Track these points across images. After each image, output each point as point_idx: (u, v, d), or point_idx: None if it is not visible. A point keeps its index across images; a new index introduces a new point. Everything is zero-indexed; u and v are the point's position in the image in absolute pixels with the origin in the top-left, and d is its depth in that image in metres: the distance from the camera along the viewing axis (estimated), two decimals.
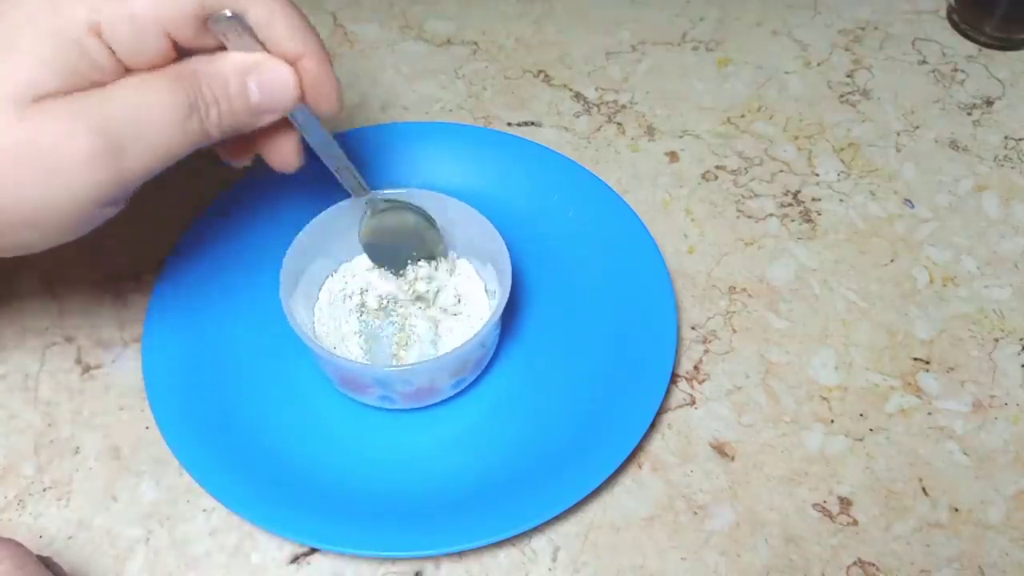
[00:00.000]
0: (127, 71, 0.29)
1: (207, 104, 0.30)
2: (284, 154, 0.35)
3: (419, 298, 0.41)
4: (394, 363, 0.40)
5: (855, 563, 0.36)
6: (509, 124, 0.53)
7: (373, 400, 0.39)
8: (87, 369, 0.42)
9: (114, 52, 0.28)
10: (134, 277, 0.45)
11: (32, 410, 0.41)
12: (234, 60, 0.31)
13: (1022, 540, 0.37)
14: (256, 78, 0.31)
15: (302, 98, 0.33)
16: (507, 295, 0.38)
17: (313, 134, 0.35)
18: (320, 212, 0.40)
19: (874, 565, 0.36)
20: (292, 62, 0.32)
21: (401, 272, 0.42)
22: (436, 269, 0.41)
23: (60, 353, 0.42)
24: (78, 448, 0.39)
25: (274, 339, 0.41)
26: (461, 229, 0.41)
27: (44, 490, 0.38)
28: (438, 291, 0.41)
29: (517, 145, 0.48)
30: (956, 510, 0.38)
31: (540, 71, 0.56)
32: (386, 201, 0.41)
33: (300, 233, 0.40)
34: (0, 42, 0.27)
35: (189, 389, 0.39)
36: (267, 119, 0.33)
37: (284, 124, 0.34)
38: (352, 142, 0.48)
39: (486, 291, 0.42)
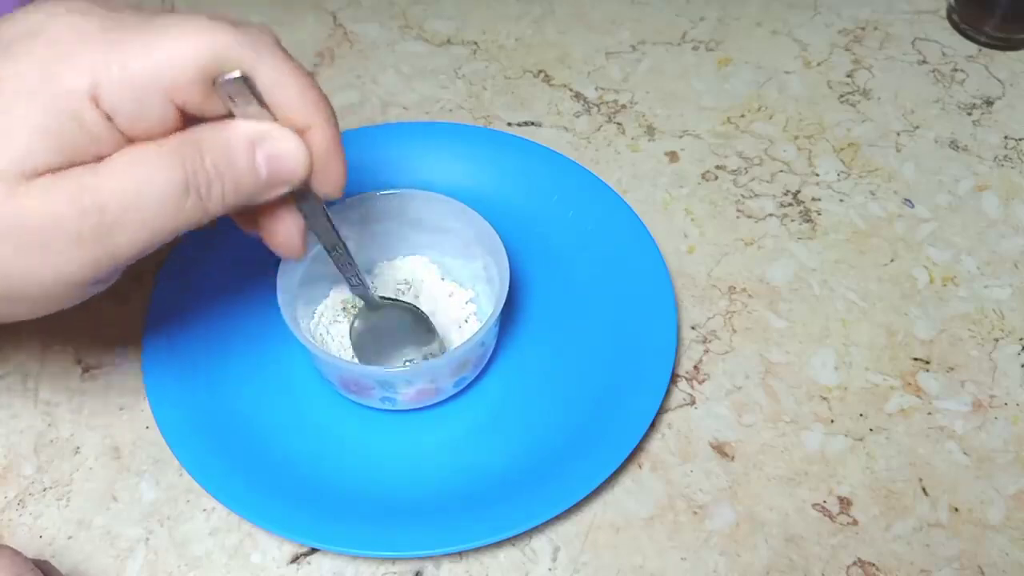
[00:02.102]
0: (129, 140, 0.27)
1: (209, 181, 0.28)
2: (287, 238, 0.33)
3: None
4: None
5: (855, 563, 0.36)
6: (509, 124, 0.53)
7: (374, 402, 0.39)
8: (87, 369, 0.42)
9: (113, 120, 0.27)
10: (134, 277, 0.45)
11: (32, 410, 0.41)
12: (241, 129, 0.29)
13: (1022, 540, 0.37)
14: (264, 150, 0.29)
15: (311, 174, 0.30)
16: (505, 293, 0.38)
17: (314, 218, 0.33)
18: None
19: (874, 565, 0.36)
20: (301, 132, 0.30)
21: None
22: (419, 358, 0.40)
23: (60, 353, 0.42)
24: (78, 448, 0.39)
25: (274, 339, 0.41)
26: (459, 228, 0.41)
27: (44, 490, 0.38)
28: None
29: (517, 145, 0.48)
30: (956, 510, 0.38)
31: (540, 71, 0.56)
32: (383, 298, 0.39)
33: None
34: None
35: (189, 389, 0.39)
36: (273, 195, 0.30)
37: (288, 207, 0.32)
38: (352, 142, 0.48)
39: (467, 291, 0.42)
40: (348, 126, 0.52)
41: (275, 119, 0.29)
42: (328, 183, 0.31)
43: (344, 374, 0.37)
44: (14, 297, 0.28)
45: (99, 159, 0.27)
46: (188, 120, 0.28)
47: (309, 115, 0.29)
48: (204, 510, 0.38)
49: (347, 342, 0.40)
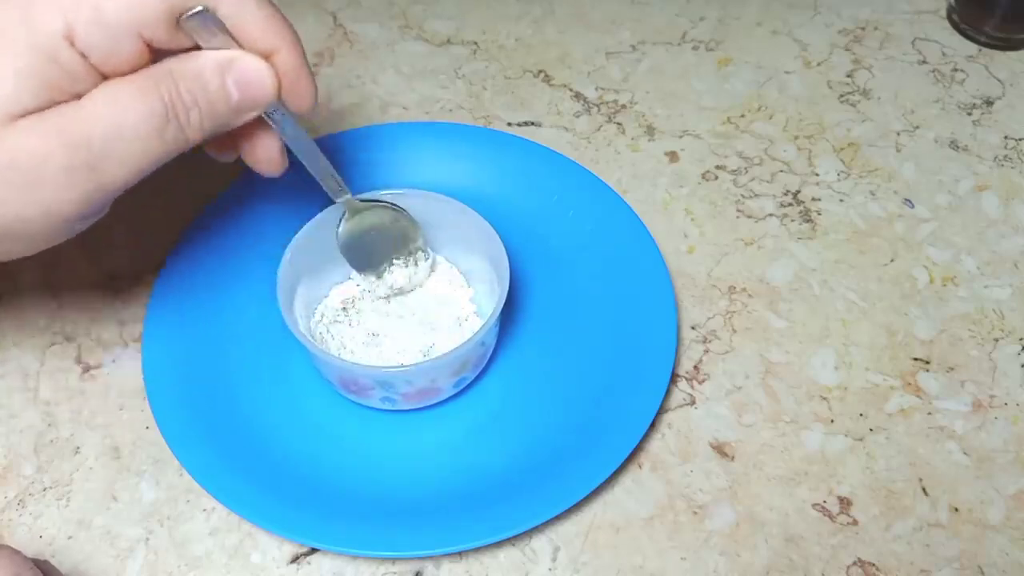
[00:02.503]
0: (104, 76, 0.29)
1: (186, 108, 0.30)
2: (267, 157, 0.35)
3: (397, 293, 0.41)
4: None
5: (855, 563, 0.36)
6: (509, 124, 0.53)
7: (374, 402, 0.39)
8: (87, 369, 0.42)
9: (88, 59, 0.28)
10: (134, 277, 0.45)
11: (32, 410, 0.41)
12: (209, 58, 0.30)
13: (1022, 540, 0.37)
14: (233, 75, 0.31)
15: (280, 94, 0.32)
16: (506, 292, 0.38)
17: (289, 133, 0.35)
18: (316, 214, 0.40)
19: (874, 565, 0.36)
20: (267, 57, 0.31)
21: (379, 274, 0.41)
22: (416, 265, 0.41)
23: (60, 353, 0.42)
24: (78, 448, 0.39)
25: (274, 338, 0.41)
26: (459, 228, 0.41)
27: (44, 490, 0.38)
28: (415, 289, 0.42)
29: (517, 145, 0.48)
30: (956, 510, 0.38)
31: (540, 71, 0.56)
32: (363, 201, 0.40)
33: (288, 250, 0.39)
34: None
35: (189, 389, 0.39)
36: (246, 117, 0.32)
37: (263, 126, 0.34)
38: (352, 142, 0.48)
39: (468, 286, 0.43)
40: (348, 126, 0.52)
41: (241, 47, 0.31)
42: (299, 100, 0.33)
43: (344, 374, 0.37)
44: (7, 235, 0.29)
45: (78, 96, 0.28)
46: (157, 55, 0.30)
47: (273, 40, 0.31)
48: (204, 510, 0.38)
49: (347, 342, 0.40)
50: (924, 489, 0.39)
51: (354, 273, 0.42)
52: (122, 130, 0.28)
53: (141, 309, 0.43)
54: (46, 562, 0.32)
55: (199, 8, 0.29)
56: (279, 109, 0.33)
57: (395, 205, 0.41)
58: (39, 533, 0.37)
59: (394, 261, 0.41)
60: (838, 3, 0.61)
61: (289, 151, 0.36)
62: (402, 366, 0.38)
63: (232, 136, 0.34)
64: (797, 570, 0.36)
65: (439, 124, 0.51)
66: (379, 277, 0.41)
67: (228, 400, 0.40)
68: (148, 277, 0.44)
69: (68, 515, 0.37)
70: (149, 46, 0.29)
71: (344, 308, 0.42)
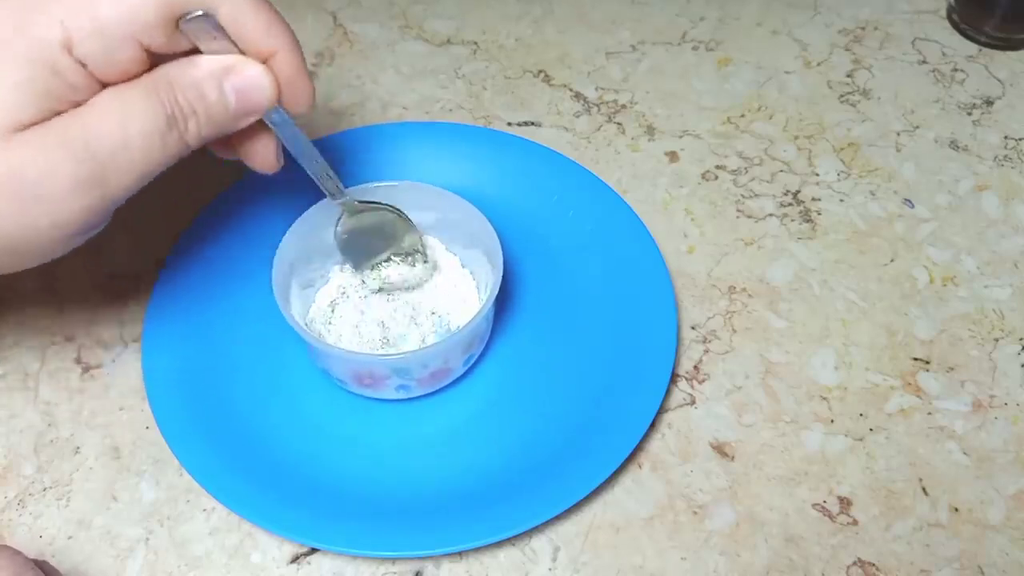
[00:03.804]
0: (103, 84, 0.29)
1: (185, 116, 0.30)
2: (264, 156, 0.35)
3: (388, 288, 0.41)
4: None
5: (855, 563, 0.36)
6: (509, 124, 0.53)
7: (389, 392, 0.39)
8: (87, 369, 0.42)
9: (87, 67, 0.28)
10: (134, 277, 0.45)
11: (32, 410, 0.41)
12: (208, 64, 0.30)
13: (1022, 540, 0.37)
14: (232, 82, 0.31)
15: (279, 98, 0.32)
16: (500, 270, 0.38)
17: (287, 134, 0.35)
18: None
19: (874, 565, 0.36)
20: (266, 59, 0.31)
21: (373, 266, 0.41)
22: (413, 266, 0.41)
23: (60, 353, 0.42)
24: (78, 448, 0.39)
25: (274, 338, 0.41)
26: (446, 216, 0.42)
27: (44, 490, 0.38)
28: (409, 290, 0.42)
29: (517, 145, 0.48)
30: (956, 510, 0.38)
31: (540, 71, 0.56)
32: (361, 203, 0.40)
33: (277, 253, 0.39)
34: None
35: (189, 389, 0.39)
36: (245, 122, 0.32)
37: (261, 125, 0.34)
38: (352, 142, 0.48)
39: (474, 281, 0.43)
40: (348, 126, 0.52)
41: (239, 51, 0.31)
42: (297, 102, 0.33)
43: (359, 368, 0.37)
44: (14, 249, 0.29)
45: (77, 105, 0.28)
46: (156, 59, 0.30)
47: (272, 43, 0.31)
48: (204, 510, 0.38)
49: (347, 338, 0.40)
50: (924, 489, 0.39)
51: (347, 268, 0.42)
52: (126, 140, 0.28)
53: (141, 309, 0.43)
54: (46, 562, 0.32)
55: (199, 12, 0.29)
56: (277, 111, 0.33)
57: (394, 208, 0.41)
58: (39, 533, 0.37)
59: (392, 257, 0.41)
60: (838, 3, 0.61)
61: (287, 151, 0.36)
62: (417, 349, 0.38)
63: (230, 136, 0.34)
64: (797, 570, 0.36)
65: (439, 124, 0.51)
66: (372, 269, 0.41)
67: (228, 400, 0.40)
68: (148, 277, 0.44)
69: (68, 515, 0.37)
70: (147, 51, 0.29)
71: (332, 307, 0.42)
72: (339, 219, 0.40)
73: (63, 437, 0.40)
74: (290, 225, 0.40)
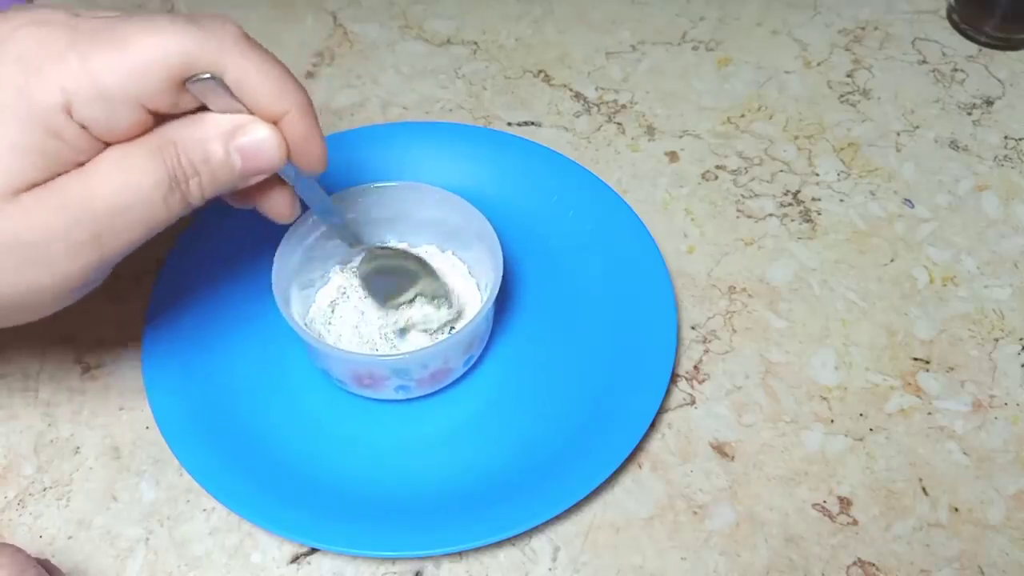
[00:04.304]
0: (105, 143, 0.28)
1: (187, 176, 0.29)
2: (279, 207, 0.35)
3: (407, 328, 0.41)
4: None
5: (855, 563, 0.36)
6: (509, 124, 0.53)
7: (388, 393, 0.39)
8: (87, 369, 0.42)
9: (88, 130, 0.28)
10: (134, 277, 0.45)
11: (32, 410, 0.41)
12: (214, 125, 0.30)
13: (1022, 540, 0.37)
14: (238, 142, 0.30)
15: (288, 157, 0.31)
16: (500, 270, 0.38)
17: (303, 188, 0.34)
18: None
19: (874, 565, 0.36)
20: (276, 119, 0.31)
21: (397, 306, 0.41)
22: (438, 309, 0.40)
23: (60, 353, 0.42)
24: (78, 448, 0.39)
25: (274, 338, 0.41)
26: (446, 216, 0.42)
27: (44, 490, 0.38)
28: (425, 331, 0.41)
29: (517, 145, 0.48)
30: (956, 510, 0.38)
31: (540, 71, 0.56)
32: (381, 249, 0.41)
33: (280, 248, 0.39)
34: None
35: (189, 389, 0.39)
36: (251, 181, 0.32)
37: (277, 179, 0.33)
38: (352, 142, 0.48)
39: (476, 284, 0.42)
40: (348, 126, 0.52)
41: (248, 111, 0.30)
42: (309, 163, 0.32)
43: (359, 368, 0.37)
44: (16, 306, 0.29)
45: (80, 164, 0.28)
46: (160, 118, 0.29)
47: (282, 103, 0.30)
48: (204, 510, 0.38)
49: (347, 338, 0.40)
50: (924, 489, 0.39)
51: (347, 270, 0.42)
52: (128, 202, 0.28)
53: (141, 309, 0.43)
54: (47, 561, 0.32)
55: (206, 75, 0.28)
56: (290, 166, 0.32)
57: (416, 256, 0.41)
58: (39, 533, 0.37)
59: (418, 296, 0.40)
60: (838, 3, 0.61)
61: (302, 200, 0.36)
62: (417, 350, 0.38)
63: (246, 188, 0.33)
64: (797, 570, 0.36)
65: (439, 124, 0.51)
66: (397, 309, 0.40)
67: (228, 400, 0.40)
68: (148, 277, 0.44)
69: (68, 515, 0.37)
70: (153, 112, 0.29)
71: (332, 307, 0.42)
72: (361, 259, 0.41)
73: (63, 437, 0.40)
74: (291, 225, 0.40)
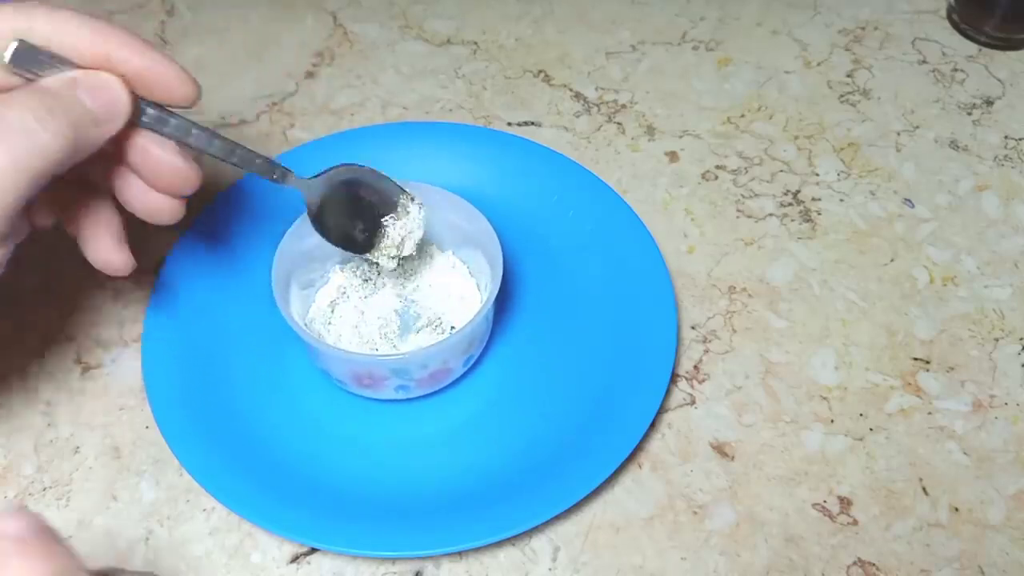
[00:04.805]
0: None
1: (51, 115, 0.29)
2: (170, 168, 0.32)
3: (406, 255, 0.39)
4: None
5: (855, 563, 0.36)
6: (509, 124, 0.53)
7: (388, 392, 0.39)
8: (87, 369, 0.42)
9: None
10: (134, 277, 0.45)
11: (32, 410, 0.41)
12: (53, 79, 0.29)
13: (1022, 540, 0.37)
14: (81, 88, 0.29)
15: (135, 99, 0.31)
16: (500, 270, 0.38)
17: (175, 130, 0.32)
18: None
19: (874, 565, 0.36)
20: (111, 68, 0.30)
21: (375, 247, 0.39)
22: (407, 214, 0.39)
23: (60, 353, 0.42)
24: (78, 448, 0.39)
25: (273, 338, 0.41)
26: (446, 217, 0.41)
27: (44, 490, 0.38)
28: (412, 240, 0.39)
29: (517, 145, 0.48)
30: (956, 510, 0.38)
31: (540, 71, 0.56)
32: (313, 178, 0.37)
33: (279, 248, 0.39)
34: None
35: (189, 389, 0.39)
36: (113, 126, 0.30)
37: (152, 138, 0.32)
38: (352, 142, 0.48)
39: (475, 281, 0.42)
40: (348, 126, 0.52)
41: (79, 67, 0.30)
42: (171, 91, 0.31)
43: (358, 368, 0.37)
44: None
45: None
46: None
47: (109, 45, 0.30)
48: (204, 510, 0.38)
49: (347, 338, 0.40)
50: (924, 489, 0.39)
51: (347, 268, 0.42)
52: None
53: (141, 309, 0.43)
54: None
55: (14, 44, 0.28)
56: (147, 110, 0.31)
57: (346, 165, 0.38)
58: None
59: (383, 222, 0.38)
60: (838, 3, 0.61)
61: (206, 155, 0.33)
62: (417, 350, 0.38)
63: (134, 180, 0.32)
64: (797, 570, 0.36)
65: (439, 124, 0.51)
66: (376, 249, 0.39)
67: (228, 400, 0.40)
68: (148, 277, 0.44)
69: (68, 515, 0.37)
70: None
71: (332, 307, 0.42)
72: (305, 213, 0.37)
73: (63, 437, 0.40)
74: (289, 225, 0.40)
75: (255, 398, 0.40)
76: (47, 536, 0.23)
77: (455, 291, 0.42)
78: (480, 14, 0.60)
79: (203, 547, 0.37)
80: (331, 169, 0.37)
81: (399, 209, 0.39)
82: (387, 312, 0.41)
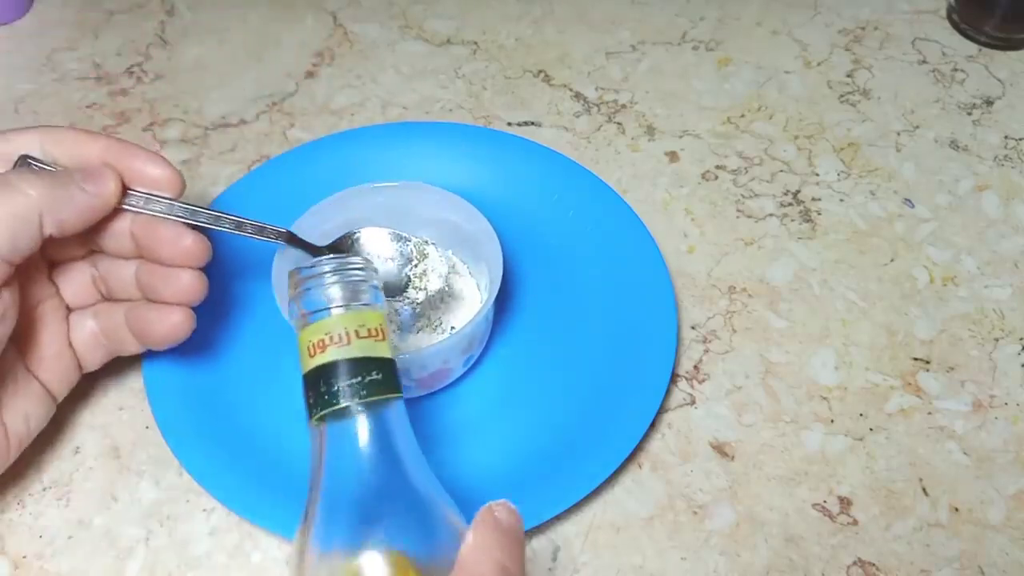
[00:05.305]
0: None
1: (52, 205, 0.31)
2: (180, 244, 0.35)
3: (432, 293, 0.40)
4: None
5: (855, 563, 0.36)
6: (509, 124, 0.53)
7: None
8: None
9: None
10: None
11: None
12: (52, 175, 0.32)
13: (1022, 540, 0.37)
14: (78, 176, 0.32)
15: (123, 187, 0.33)
16: (500, 270, 0.38)
17: (189, 216, 0.35)
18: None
19: (874, 565, 0.36)
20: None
21: (403, 293, 0.40)
22: (425, 258, 0.40)
23: None
24: (78, 448, 0.39)
25: (274, 338, 0.41)
26: (446, 217, 0.41)
27: (44, 490, 0.38)
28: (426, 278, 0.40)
29: (517, 145, 0.48)
30: (956, 510, 0.38)
31: (540, 71, 0.56)
32: (325, 247, 0.39)
33: (276, 258, 0.39)
34: None
35: (189, 389, 0.39)
36: (98, 208, 0.33)
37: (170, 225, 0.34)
38: (352, 142, 0.48)
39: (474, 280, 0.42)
40: (348, 126, 0.52)
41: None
42: (152, 179, 0.34)
43: None
44: None
45: None
46: None
47: (92, 144, 0.34)
48: (204, 510, 0.38)
49: None
50: (924, 489, 0.39)
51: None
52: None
53: None
54: None
55: (17, 158, 0.32)
56: (143, 197, 0.34)
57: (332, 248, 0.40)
58: (39, 533, 0.37)
59: (406, 273, 0.40)
60: (838, 3, 0.61)
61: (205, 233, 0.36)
62: (417, 350, 0.38)
63: (155, 269, 0.35)
64: (797, 570, 0.36)
65: (439, 124, 0.51)
66: (404, 294, 0.40)
67: (228, 400, 0.40)
68: None
69: (68, 515, 0.37)
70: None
71: None
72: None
73: (63, 437, 0.40)
74: (290, 226, 0.40)
75: (255, 398, 0.40)
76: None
77: (455, 291, 0.42)
78: (480, 14, 0.60)
79: (203, 547, 0.37)
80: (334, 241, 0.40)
81: (412, 261, 0.40)
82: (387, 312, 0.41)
